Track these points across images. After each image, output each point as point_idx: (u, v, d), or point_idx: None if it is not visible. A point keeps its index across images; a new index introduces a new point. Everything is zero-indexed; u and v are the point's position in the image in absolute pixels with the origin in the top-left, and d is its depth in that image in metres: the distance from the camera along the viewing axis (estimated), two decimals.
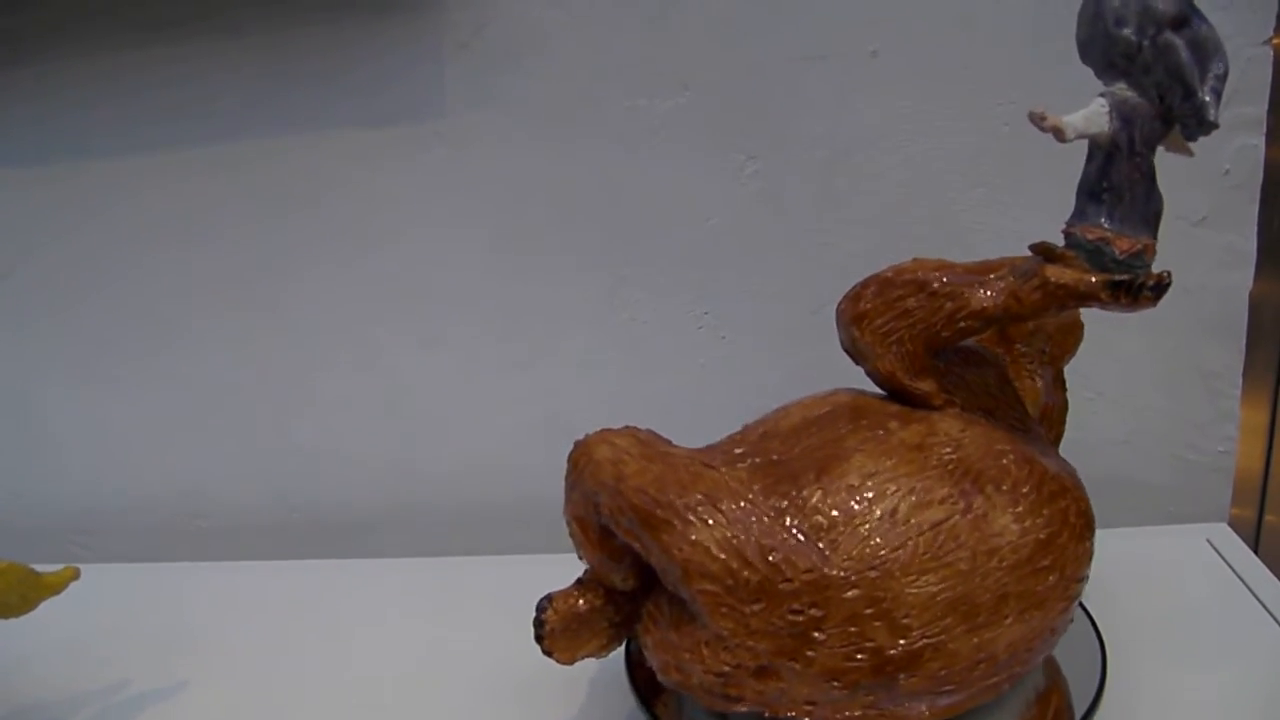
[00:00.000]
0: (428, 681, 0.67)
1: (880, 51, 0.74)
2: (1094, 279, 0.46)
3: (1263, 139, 0.73)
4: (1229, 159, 0.74)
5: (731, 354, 0.81)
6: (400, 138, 0.79)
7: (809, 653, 0.45)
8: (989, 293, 0.49)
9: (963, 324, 0.50)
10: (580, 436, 0.52)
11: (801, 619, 0.45)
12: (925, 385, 0.52)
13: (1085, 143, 0.47)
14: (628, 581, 0.50)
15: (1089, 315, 0.76)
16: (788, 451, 0.50)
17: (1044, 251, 0.48)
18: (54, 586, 0.65)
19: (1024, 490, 0.49)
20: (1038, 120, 0.44)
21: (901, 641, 0.45)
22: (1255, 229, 0.75)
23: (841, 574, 0.45)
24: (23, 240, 0.85)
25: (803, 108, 0.76)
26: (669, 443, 0.52)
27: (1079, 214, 0.47)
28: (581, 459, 0.49)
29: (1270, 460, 0.81)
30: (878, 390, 0.55)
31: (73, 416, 0.89)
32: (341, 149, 0.80)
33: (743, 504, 0.46)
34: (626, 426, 0.52)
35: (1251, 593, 0.68)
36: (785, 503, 0.47)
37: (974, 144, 0.75)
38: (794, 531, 0.46)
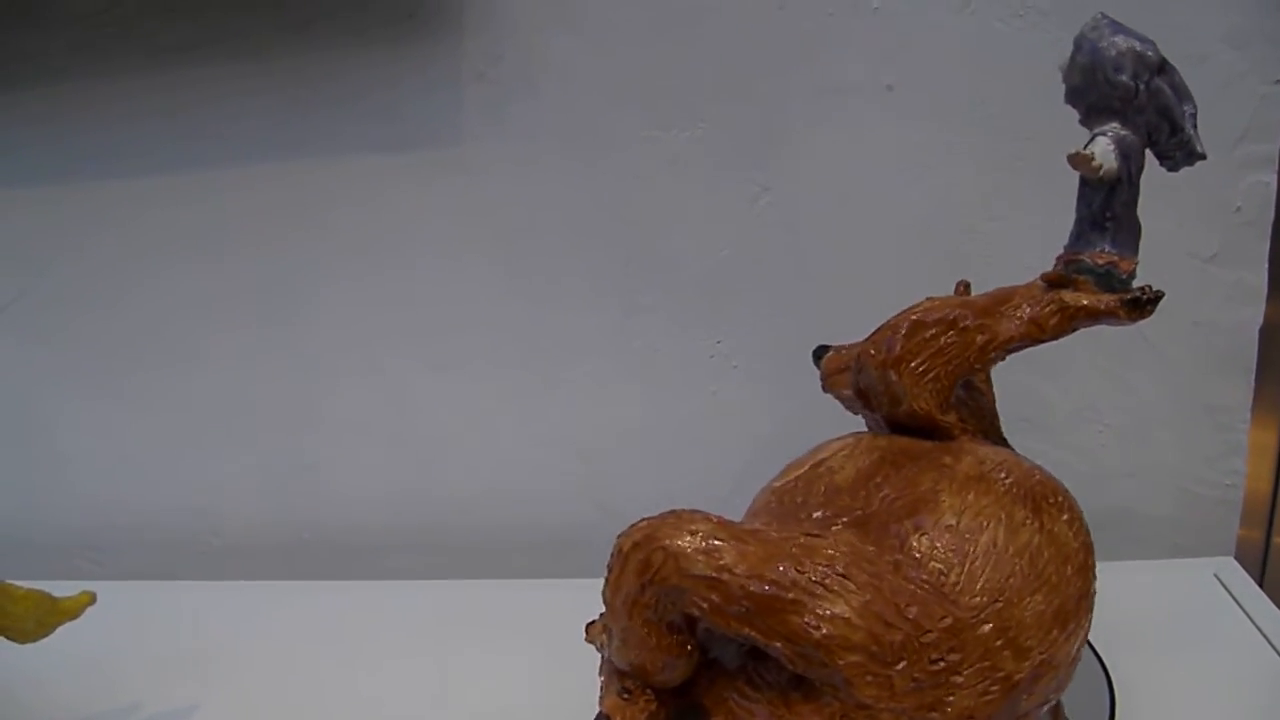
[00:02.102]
0: (439, 706, 0.67)
1: (896, 86, 0.75)
2: (1112, 299, 0.50)
3: (1274, 176, 0.74)
4: (1240, 196, 0.74)
5: (743, 383, 0.82)
6: (416, 163, 0.79)
7: (949, 698, 0.44)
8: (1013, 323, 0.52)
9: (992, 356, 0.53)
10: (629, 528, 0.47)
11: (942, 666, 0.44)
12: (951, 417, 0.54)
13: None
14: (677, 678, 0.48)
15: (1102, 352, 0.78)
16: (868, 505, 0.49)
17: (1057, 280, 0.52)
18: (70, 612, 0.65)
19: (1060, 499, 0.51)
20: (1083, 162, 0.48)
21: (1026, 664, 0.45)
22: (1266, 265, 0.76)
23: (972, 613, 0.45)
24: (38, 257, 0.85)
25: (818, 140, 0.76)
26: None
27: (1083, 241, 0.51)
28: (654, 554, 0.45)
29: (1279, 483, 0.82)
30: (883, 430, 0.56)
31: (85, 433, 0.90)
32: (357, 174, 0.80)
33: (867, 566, 0.45)
34: (682, 512, 0.47)
35: (1258, 629, 0.68)
36: (898, 556, 0.46)
37: (989, 179, 0.75)
38: (917, 582, 0.45)
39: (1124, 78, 0.48)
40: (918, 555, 0.46)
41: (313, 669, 0.72)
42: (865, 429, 0.60)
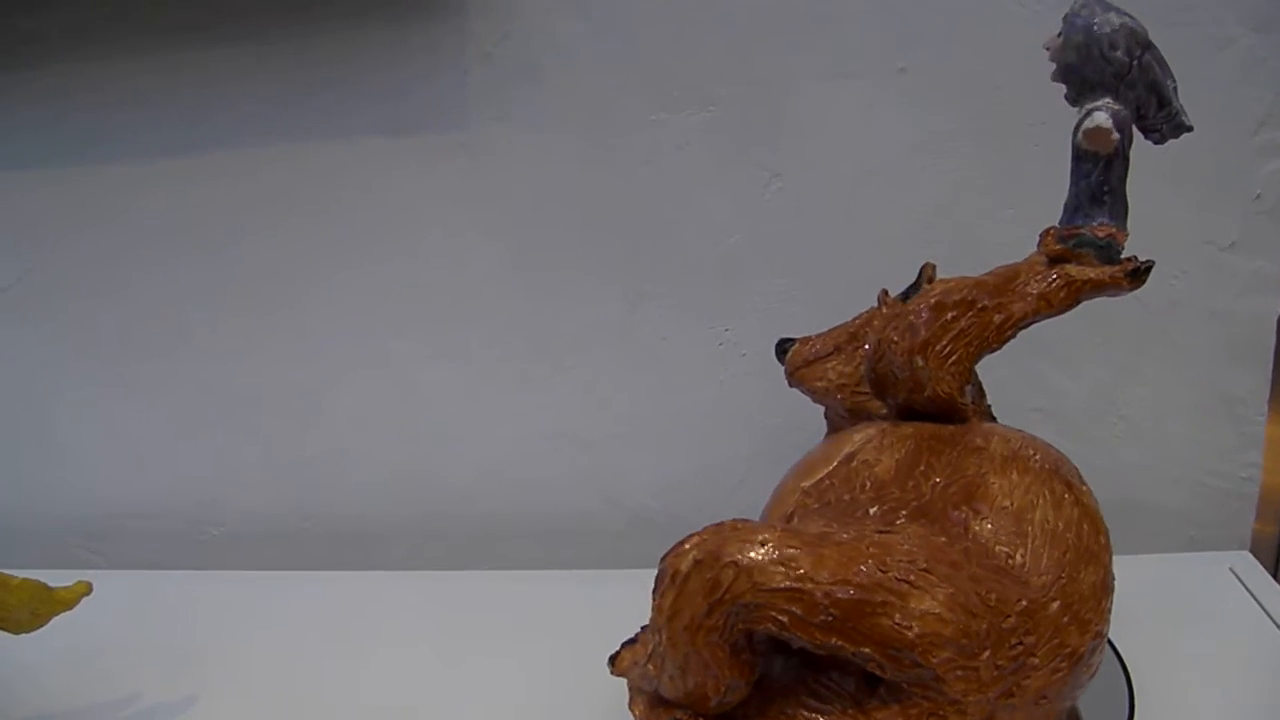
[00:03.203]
0: (441, 698, 0.66)
1: (909, 69, 0.73)
2: (1116, 270, 0.51)
3: None
4: (1260, 184, 0.73)
5: (752, 372, 0.80)
6: (420, 147, 0.78)
7: (1026, 681, 0.44)
8: (1025, 300, 0.52)
9: (1008, 334, 0.53)
10: (677, 549, 0.44)
11: (1020, 650, 0.44)
12: (966, 399, 0.54)
13: None
14: (736, 700, 0.46)
15: (1117, 342, 0.77)
16: (920, 495, 0.48)
17: (1060, 255, 0.52)
18: (66, 602, 0.64)
19: (1078, 472, 0.52)
20: (1102, 136, 0.49)
21: (1087, 637, 0.46)
22: None
23: (1041, 593, 0.45)
24: (38, 242, 0.84)
25: (829, 125, 0.75)
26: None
27: (1081, 215, 0.52)
28: (724, 572, 0.42)
29: None
30: (894, 419, 0.55)
31: (86, 421, 0.89)
32: (361, 157, 0.79)
33: (943, 557, 0.44)
34: (736, 523, 0.45)
35: (1274, 622, 0.67)
36: (966, 543, 0.46)
37: (1004, 164, 0.74)
38: (989, 568, 0.45)
39: (1119, 53, 0.49)
40: (982, 540, 0.46)
41: (314, 660, 0.71)
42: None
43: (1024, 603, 0.44)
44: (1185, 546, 0.79)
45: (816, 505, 0.49)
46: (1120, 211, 0.52)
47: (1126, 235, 0.52)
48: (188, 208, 0.82)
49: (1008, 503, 0.47)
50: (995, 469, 0.49)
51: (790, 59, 0.74)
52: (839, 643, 0.42)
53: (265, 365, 0.85)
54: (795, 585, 0.42)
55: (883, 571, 0.42)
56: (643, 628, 0.51)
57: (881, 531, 0.45)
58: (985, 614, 0.43)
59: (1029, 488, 0.48)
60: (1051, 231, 0.54)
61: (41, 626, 0.64)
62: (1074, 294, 0.52)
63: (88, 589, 0.66)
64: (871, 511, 0.48)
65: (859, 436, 0.53)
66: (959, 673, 0.42)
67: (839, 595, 0.42)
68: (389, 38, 0.76)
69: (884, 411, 0.60)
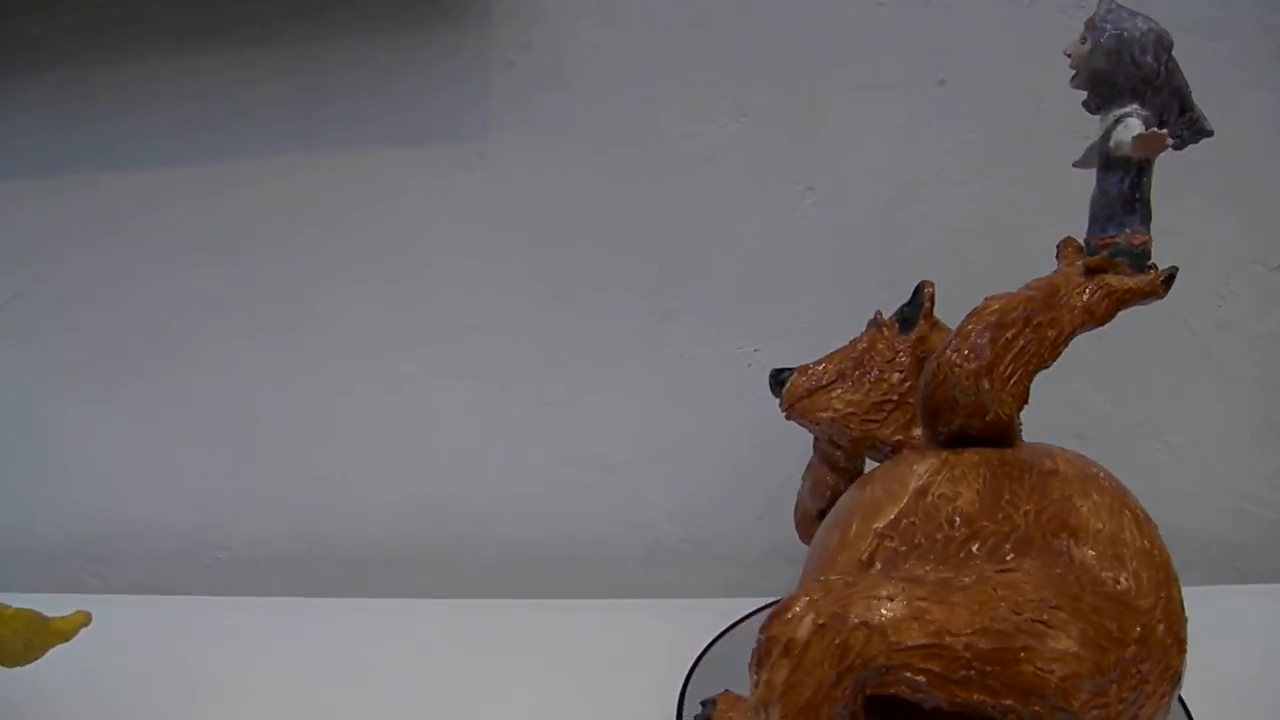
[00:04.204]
0: None
1: (948, 80, 0.71)
2: (1154, 278, 0.50)
3: None
4: None
5: None
6: (439, 157, 0.76)
7: (1141, 711, 0.42)
8: (1071, 313, 0.50)
9: (1060, 349, 0.50)
10: (784, 615, 0.40)
11: (1138, 678, 0.41)
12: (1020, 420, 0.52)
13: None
14: None
15: (1161, 365, 0.74)
16: (1014, 526, 0.46)
17: (1099, 265, 0.51)
18: (63, 633, 0.62)
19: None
20: (1158, 142, 0.48)
21: (1183, 655, 0.44)
22: None
23: (1149, 616, 0.43)
24: (38, 253, 0.82)
25: (865, 138, 0.73)
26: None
27: (1114, 224, 0.51)
28: (853, 635, 0.39)
29: None
30: (934, 446, 0.53)
31: (86, 440, 0.86)
32: (377, 167, 0.77)
33: (1066, 590, 0.42)
34: (847, 580, 0.42)
35: None
36: (1077, 572, 0.43)
37: (1044, 178, 0.71)
38: (1103, 596, 0.43)
39: (1148, 58, 0.48)
40: (1089, 567, 0.44)
41: (322, 691, 0.68)
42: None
43: (1139, 629, 0.42)
44: (1230, 578, 0.76)
45: (903, 547, 0.46)
46: (1148, 218, 0.51)
47: (1151, 240, 0.51)
48: (194, 219, 0.80)
49: (1100, 525, 0.45)
50: (1077, 491, 0.47)
51: (826, 69, 0.72)
52: (980, 698, 0.39)
53: (273, 383, 0.83)
54: (932, 641, 0.39)
55: (1017, 614, 0.40)
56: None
57: (1001, 570, 0.43)
58: (1112, 646, 0.41)
59: (1111, 508, 0.47)
60: (1070, 242, 0.54)
61: (38, 658, 0.61)
62: (1115, 305, 0.50)
63: (86, 619, 0.63)
64: (974, 549, 0.45)
65: (921, 469, 0.49)
66: (1095, 712, 0.40)
67: (980, 646, 0.39)
68: (408, 43, 0.74)
69: (897, 439, 0.59)
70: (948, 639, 0.38)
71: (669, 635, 0.68)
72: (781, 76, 0.72)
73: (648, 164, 0.75)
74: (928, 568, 0.44)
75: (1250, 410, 0.75)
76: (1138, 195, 0.50)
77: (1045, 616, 0.40)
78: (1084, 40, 0.50)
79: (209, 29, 0.74)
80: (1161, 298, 0.50)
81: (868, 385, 0.59)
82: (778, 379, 0.62)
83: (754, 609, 0.68)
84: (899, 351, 0.60)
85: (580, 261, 0.78)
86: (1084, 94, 0.52)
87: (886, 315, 0.62)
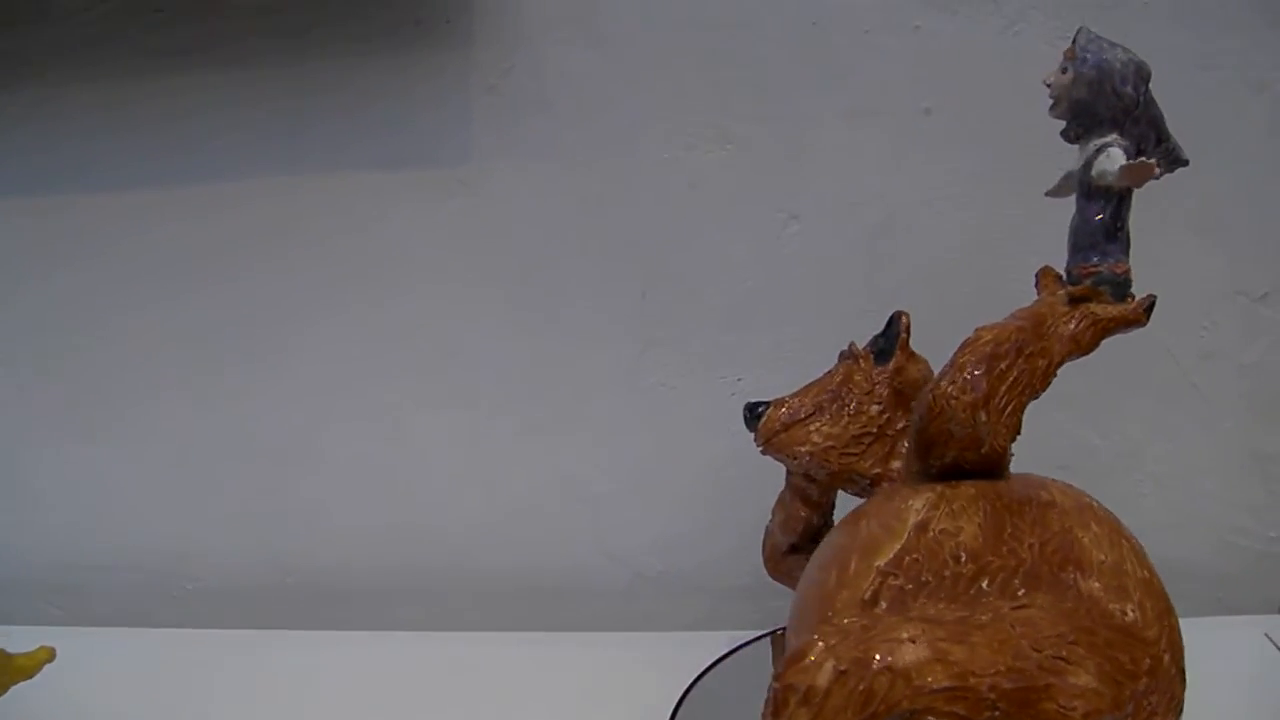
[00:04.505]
0: None
1: (935, 109, 0.71)
2: (1136, 307, 0.51)
3: None
4: None
5: None
6: (420, 182, 0.75)
7: None
8: (1059, 343, 0.50)
9: (1050, 379, 0.50)
10: (800, 661, 0.39)
11: (1149, 710, 0.41)
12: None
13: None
14: None
15: (1145, 395, 0.74)
16: (1020, 561, 0.45)
17: (1083, 294, 0.51)
18: (25, 670, 0.60)
19: None
20: (1147, 172, 0.48)
21: (1184, 684, 0.44)
22: None
23: (1156, 648, 0.43)
24: (7, 276, 0.80)
25: (850, 166, 0.73)
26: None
27: (1097, 253, 0.51)
28: (877, 680, 0.38)
29: None
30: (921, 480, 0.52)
31: (51, 467, 0.84)
32: (355, 192, 0.76)
33: (1079, 624, 0.41)
34: (863, 623, 0.41)
35: None
36: (1087, 606, 0.43)
37: (1029, 209, 0.71)
38: (1113, 628, 0.42)
39: (1129, 89, 0.49)
40: (1096, 600, 0.43)
41: None
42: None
43: (1148, 661, 0.42)
44: (1212, 609, 0.76)
45: (909, 585, 0.45)
46: (1128, 247, 0.51)
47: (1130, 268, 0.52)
48: (167, 243, 0.79)
49: (1103, 557, 0.45)
50: (1076, 523, 0.47)
51: (811, 96, 0.72)
52: None
53: (246, 411, 0.82)
54: (957, 683, 0.38)
55: (1037, 652, 0.39)
56: None
57: (1016, 607, 0.42)
58: (1126, 680, 0.40)
59: (1110, 539, 0.47)
60: (1048, 271, 0.55)
61: (0, 697, 0.59)
62: (1100, 333, 0.51)
63: (50, 655, 0.61)
64: (984, 585, 0.44)
65: (917, 504, 0.49)
66: None
67: (1004, 686, 0.38)
68: (389, 66, 0.73)
69: (876, 471, 0.58)
70: (971, 680, 0.38)
71: (650, 669, 0.67)
72: (766, 103, 0.72)
73: (630, 190, 0.74)
74: (940, 605, 0.43)
75: (1234, 441, 0.75)
76: (1119, 224, 0.50)
77: (1064, 653, 0.39)
78: (1064, 70, 0.50)
79: (186, 48, 0.73)
80: (1143, 325, 0.51)
81: (846, 418, 0.59)
82: (753, 413, 0.61)
83: (738, 644, 0.67)
84: (877, 383, 0.59)
85: (562, 288, 0.77)
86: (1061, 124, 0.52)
87: (860, 346, 0.61)
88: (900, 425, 0.59)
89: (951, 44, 0.70)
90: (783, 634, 0.67)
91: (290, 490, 0.83)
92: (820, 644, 0.38)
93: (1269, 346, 0.73)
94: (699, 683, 0.63)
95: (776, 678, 0.39)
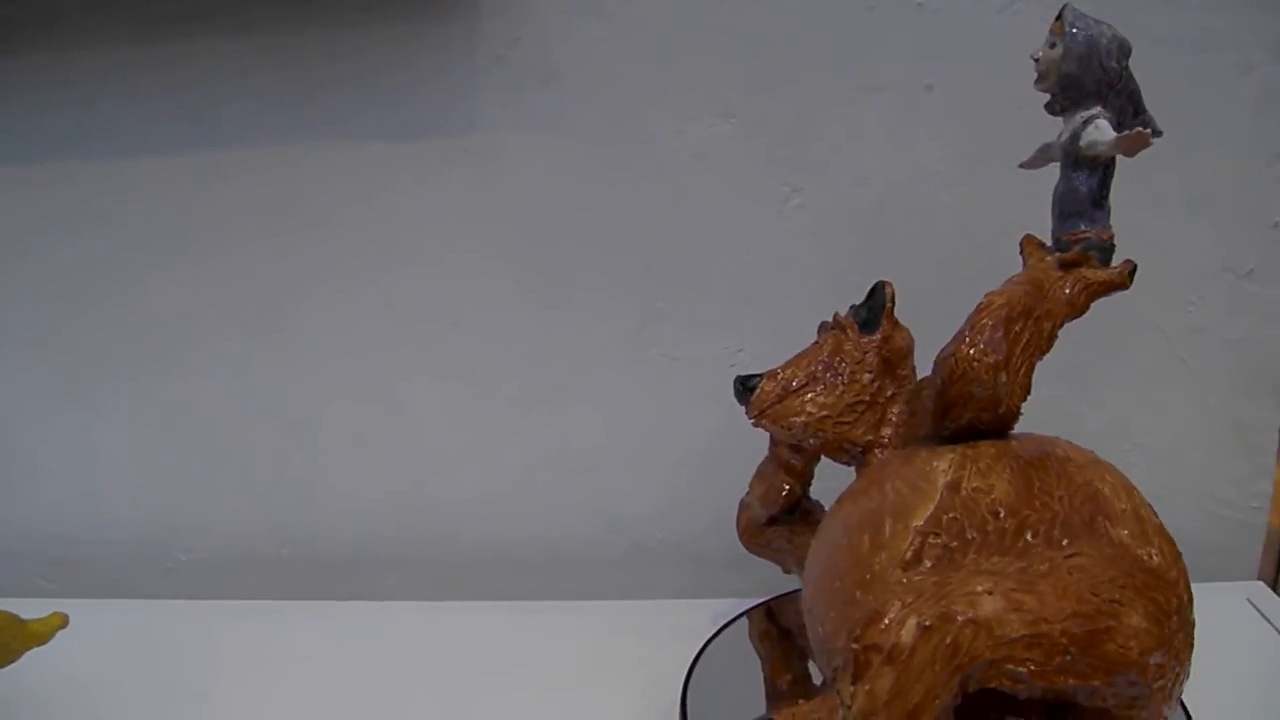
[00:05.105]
0: None
1: (936, 85, 0.72)
2: (1121, 271, 0.52)
3: None
4: (1278, 211, 0.73)
5: None
6: (424, 153, 0.75)
7: (1177, 686, 0.43)
8: (1058, 306, 0.52)
9: (1053, 340, 0.52)
10: (882, 621, 0.40)
11: (1178, 647, 0.43)
12: None
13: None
14: None
15: (1134, 369, 0.76)
16: (1054, 514, 0.46)
17: (1075, 260, 0.53)
18: (39, 636, 0.60)
19: None
20: (1143, 141, 0.50)
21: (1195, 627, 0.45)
22: None
23: (1180, 588, 0.45)
24: (3, 248, 0.79)
25: (853, 140, 0.73)
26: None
27: (1086, 220, 0.53)
28: (962, 633, 0.39)
29: None
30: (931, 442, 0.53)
31: (47, 438, 0.83)
32: (360, 162, 0.75)
33: (1123, 568, 0.43)
34: (933, 579, 0.42)
35: None
36: (1120, 552, 0.44)
37: (1029, 183, 0.72)
38: (1145, 571, 0.44)
39: (1113, 63, 0.50)
40: (1126, 546, 0.45)
41: (291, 698, 0.67)
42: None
43: (1175, 601, 0.43)
44: (1196, 576, 0.77)
45: (954, 542, 0.45)
46: (1109, 214, 0.53)
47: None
48: (167, 213, 0.78)
49: (1123, 506, 0.47)
50: (1094, 475, 0.48)
51: (815, 72, 0.72)
52: (1072, 682, 0.40)
53: (244, 382, 0.81)
54: (1032, 631, 0.39)
55: (1096, 596, 0.40)
56: None
57: (1068, 556, 0.43)
58: (1164, 620, 0.42)
59: (1124, 488, 0.48)
60: (1031, 239, 0.57)
61: (13, 662, 0.59)
62: (1091, 297, 0.52)
63: (63, 621, 0.61)
64: (1029, 538, 0.45)
65: (942, 464, 0.50)
66: (1159, 683, 0.41)
67: (1074, 630, 0.39)
68: (395, 36, 0.72)
69: (868, 439, 0.59)
70: (1044, 627, 0.39)
71: (649, 637, 0.68)
72: (771, 78, 0.72)
73: (635, 162, 0.74)
74: (995, 559, 0.44)
75: (1219, 414, 0.77)
76: (1104, 192, 0.52)
77: (1117, 596, 0.41)
78: (1053, 45, 0.52)
79: (187, 14, 0.72)
80: (1127, 289, 0.52)
81: (840, 387, 0.60)
82: (745, 386, 0.62)
83: (740, 610, 0.68)
84: (867, 352, 0.60)
85: (565, 259, 0.77)
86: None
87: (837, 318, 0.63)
88: (890, 393, 0.60)
89: (953, 22, 0.71)
90: (762, 609, 0.68)
91: (287, 461, 0.82)
92: (896, 603, 0.39)
93: (1254, 322, 0.75)
94: (707, 649, 0.63)
95: (855, 639, 0.39)
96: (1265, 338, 0.75)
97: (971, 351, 0.50)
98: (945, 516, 0.46)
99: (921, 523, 0.46)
